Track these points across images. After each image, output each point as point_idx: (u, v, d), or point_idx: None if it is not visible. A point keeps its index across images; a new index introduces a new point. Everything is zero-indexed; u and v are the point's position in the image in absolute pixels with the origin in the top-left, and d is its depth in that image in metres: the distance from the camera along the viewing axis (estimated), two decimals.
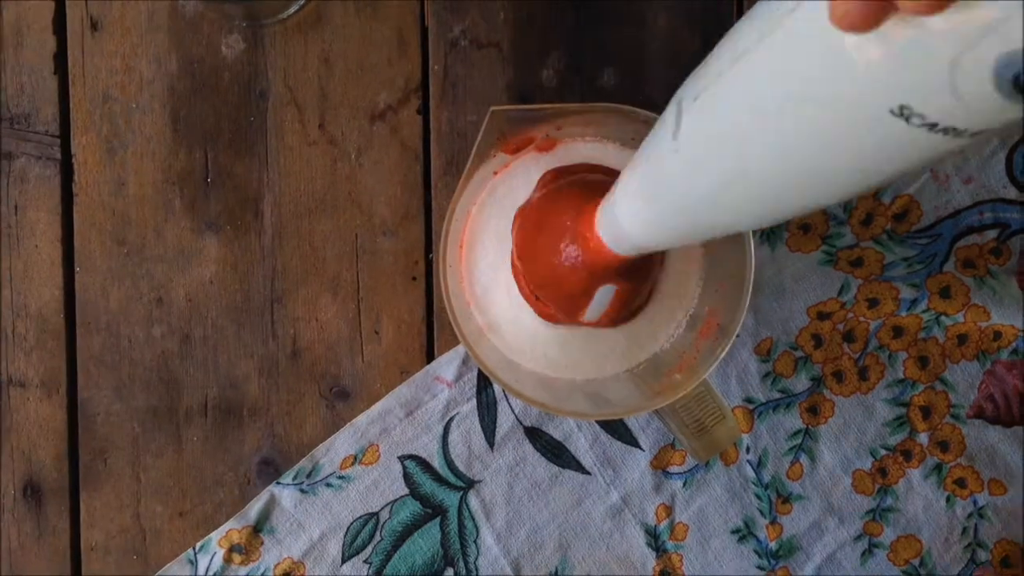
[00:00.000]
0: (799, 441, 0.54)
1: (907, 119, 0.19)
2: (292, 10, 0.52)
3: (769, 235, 0.54)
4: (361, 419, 0.53)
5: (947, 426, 0.54)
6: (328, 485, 0.53)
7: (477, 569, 0.54)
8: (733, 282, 0.43)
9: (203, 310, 0.53)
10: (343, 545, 0.54)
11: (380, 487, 0.54)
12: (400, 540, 0.54)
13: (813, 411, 0.54)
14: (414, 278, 0.53)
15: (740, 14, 0.54)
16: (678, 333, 0.47)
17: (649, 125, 0.33)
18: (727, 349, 0.42)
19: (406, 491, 0.54)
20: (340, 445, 0.53)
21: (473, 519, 0.54)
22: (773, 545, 0.54)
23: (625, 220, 0.34)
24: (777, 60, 0.21)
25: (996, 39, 0.17)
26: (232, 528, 0.53)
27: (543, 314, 0.46)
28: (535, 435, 0.54)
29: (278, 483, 0.53)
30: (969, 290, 0.53)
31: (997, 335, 0.54)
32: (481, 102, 0.53)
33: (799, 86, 0.21)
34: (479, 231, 0.47)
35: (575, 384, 0.48)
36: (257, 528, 0.53)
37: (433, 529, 0.54)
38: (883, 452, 0.54)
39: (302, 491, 0.53)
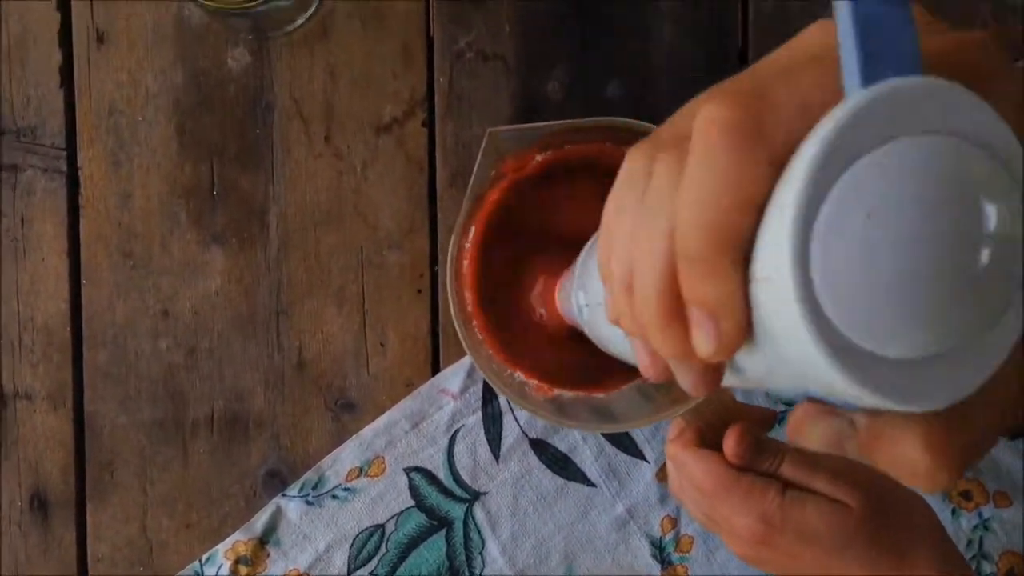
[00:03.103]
0: None
1: None
2: (298, 23, 0.52)
3: None
4: (367, 431, 0.53)
5: None
6: (334, 497, 0.54)
7: None
8: None
9: (209, 323, 0.53)
10: (349, 557, 0.54)
11: (386, 499, 0.54)
12: (406, 552, 0.54)
13: None
14: (419, 291, 0.53)
15: (744, 26, 0.54)
16: None
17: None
18: None
19: (412, 503, 0.54)
20: (346, 457, 0.54)
21: (479, 531, 0.54)
22: None
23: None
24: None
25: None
26: (238, 540, 0.53)
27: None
28: (540, 447, 0.54)
29: (284, 495, 0.53)
30: None
31: None
32: (486, 114, 0.53)
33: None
34: None
35: (582, 399, 0.48)
36: (263, 540, 0.53)
37: (439, 541, 0.54)
38: None
39: (308, 503, 0.53)
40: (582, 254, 0.36)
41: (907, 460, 0.22)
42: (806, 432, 0.24)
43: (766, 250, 0.19)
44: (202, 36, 0.53)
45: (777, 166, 0.19)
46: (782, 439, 0.52)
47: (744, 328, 0.20)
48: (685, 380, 0.23)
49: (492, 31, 0.53)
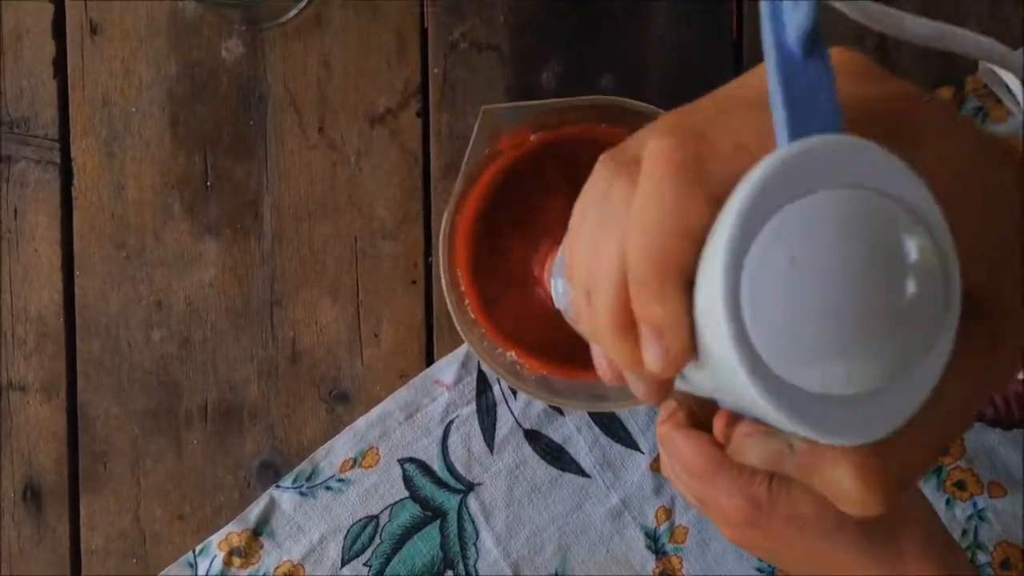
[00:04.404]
0: None
1: None
2: (292, 13, 0.52)
3: None
4: (360, 422, 0.53)
5: None
6: (328, 488, 0.53)
7: (477, 572, 0.54)
8: None
9: (203, 313, 0.53)
10: (343, 548, 0.54)
11: (380, 490, 0.54)
12: (400, 543, 0.54)
13: None
14: (414, 281, 0.53)
15: (739, 18, 0.54)
16: None
17: (643, 116, 0.34)
18: None
19: (406, 494, 0.54)
20: (340, 448, 0.53)
21: (473, 522, 0.54)
22: None
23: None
24: None
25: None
26: (232, 531, 0.53)
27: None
28: (535, 438, 0.54)
29: (278, 486, 0.53)
30: None
31: None
32: (481, 105, 0.53)
33: None
34: None
35: (577, 385, 0.48)
36: (257, 531, 0.53)
37: (433, 532, 0.54)
38: None
39: (302, 494, 0.53)
40: (565, 241, 0.37)
41: (840, 486, 0.22)
42: (746, 449, 0.25)
43: (703, 282, 0.21)
44: (196, 27, 0.53)
45: (717, 199, 0.21)
46: None
47: (688, 348, 0.22)
48: (637, 389, 0.25)
49: (487, 22, 0.53)
